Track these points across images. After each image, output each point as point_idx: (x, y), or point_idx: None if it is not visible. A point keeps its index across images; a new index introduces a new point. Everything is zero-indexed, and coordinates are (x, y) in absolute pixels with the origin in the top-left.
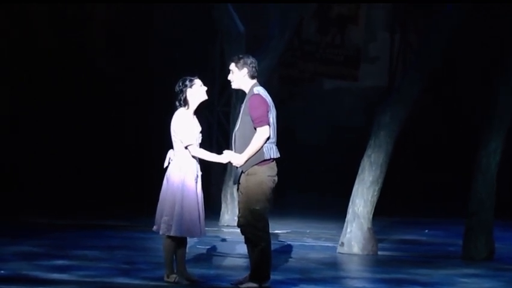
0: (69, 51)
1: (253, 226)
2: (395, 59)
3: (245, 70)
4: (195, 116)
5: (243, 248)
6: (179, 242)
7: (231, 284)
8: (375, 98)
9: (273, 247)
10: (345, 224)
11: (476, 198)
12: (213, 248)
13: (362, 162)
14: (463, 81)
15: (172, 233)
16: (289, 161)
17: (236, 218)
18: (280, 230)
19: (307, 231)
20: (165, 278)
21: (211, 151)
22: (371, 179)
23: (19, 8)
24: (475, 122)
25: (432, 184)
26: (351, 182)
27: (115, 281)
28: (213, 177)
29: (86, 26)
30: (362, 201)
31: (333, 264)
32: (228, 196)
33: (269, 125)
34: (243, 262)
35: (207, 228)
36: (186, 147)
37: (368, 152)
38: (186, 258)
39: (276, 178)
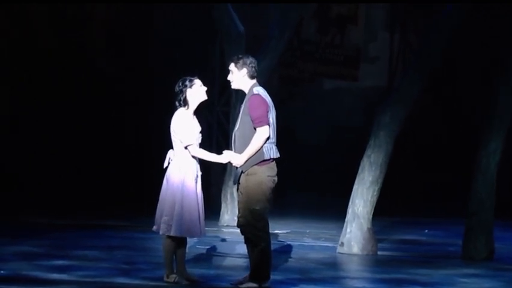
0: (69, 51)
1: (253, 226)
2: (395, 59)
3: (245, 70)
4: (194, 116)
5: (242, 248)
6: (179, 242)
7: (231, 284)
8: (375, 98)
9: (272, 247)
10: (345, 224)
11: (476, 198)
12: (213, 248)
13: (361, 162)
14: (463, 81)
15: (172, 233)
16: (289, 161)
17: (236, 218)
18: (280, 230)
19: (307, 231)
20: (165, 278)
21: (211, 151)
22: (370, 179)
23: (19, 8)
24: (475, 122)
25: (432, 184)
26: (351, 182)
27: (115, 281)
28: (213, 177)
29: (86, 26)
30: (361, 201)
31: (333, 264)
32: (228, 196)
33: (269, 125)
34: (243, 262)
35: (206, 228)
36: (186, 147)
37: (368, 152)
38: (186, 258)
39: (275, 178)
